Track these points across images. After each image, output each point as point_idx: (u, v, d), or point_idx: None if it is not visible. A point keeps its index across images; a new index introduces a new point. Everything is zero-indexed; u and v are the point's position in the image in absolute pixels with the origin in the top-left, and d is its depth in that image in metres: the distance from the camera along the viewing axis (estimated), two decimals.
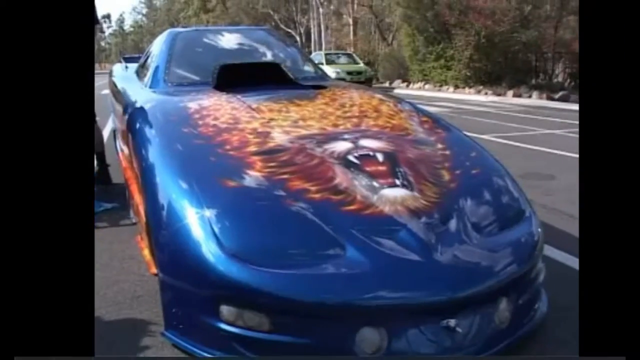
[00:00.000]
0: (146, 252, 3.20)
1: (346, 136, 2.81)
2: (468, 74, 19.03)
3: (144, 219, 2.98)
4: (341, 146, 2.68)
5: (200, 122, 2.97)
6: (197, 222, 2.24)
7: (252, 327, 2.07)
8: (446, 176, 2.63)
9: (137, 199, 3.31)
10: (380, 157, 2.62)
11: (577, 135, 9.07)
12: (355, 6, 31.39)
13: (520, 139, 8.36)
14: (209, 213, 2.26)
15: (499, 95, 17.23)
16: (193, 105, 3.29)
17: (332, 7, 34.78)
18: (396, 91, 20.66)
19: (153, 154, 2.78)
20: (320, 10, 32.47)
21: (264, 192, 2.37)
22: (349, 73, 20.51)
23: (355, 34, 31.87)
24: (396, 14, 24.73)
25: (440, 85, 20.60)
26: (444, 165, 2.71)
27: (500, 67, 18.60)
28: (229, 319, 2.11)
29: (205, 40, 4.70)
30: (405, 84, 23.25)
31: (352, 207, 2.29)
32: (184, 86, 4.01)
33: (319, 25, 33.17)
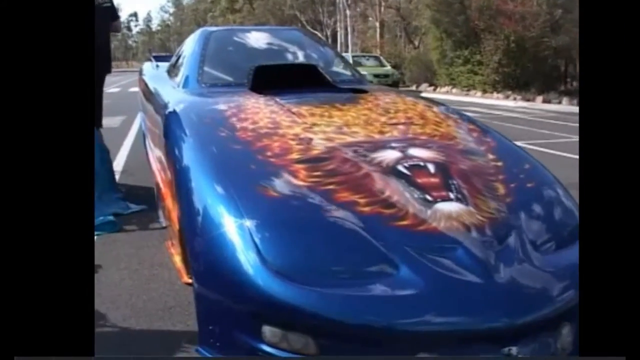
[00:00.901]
0: (177, 259, 3.07)
1: (394, 144, 2.65)
2: (496, 78, 18.74)
3: (176, 224, 2.85)
4: (390, 155, 2.52)
5: (238, 126, 2.82)
6: (237, 232, 2.10)
7: (299, 350, 1.93)
8: (501, 190, 2.46)
9: (169, 202, 3.18)
10: (431, 168, 2.46)
11: None
12: (382, 9, 31.23)
13: (555, 147, 8.13)
14: (249, 223, 2.11)
15: (527, 100, 16.96)
16: (230, 108, 3.15)
17: (358, 10, 34.67)
18: (423, 95, 20.44)
19: (188, 157, 2.65)
20: (347, 12, 32.33)
21: (308, 203, 2.22)
22: (375, 76, 20.31)
23: (381, 36, 31.71)
24: (424, 17, 24.50)
25: (468, 90, 20.32)
26: (497, 178, 2.54)
27: (529, 73, 18.27)
28: (272, 341, 1.96)
29: (239, 40, 4.56)
30: (432, 87, 23.00)
31: (404, 223, 2.14)
32: (218, 87, 3.88)
33: (346, 28, 33.03)
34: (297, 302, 1.91)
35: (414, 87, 24.11)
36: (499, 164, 2.69)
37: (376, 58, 23.84)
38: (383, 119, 3.05)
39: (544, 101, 16.40)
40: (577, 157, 6.23)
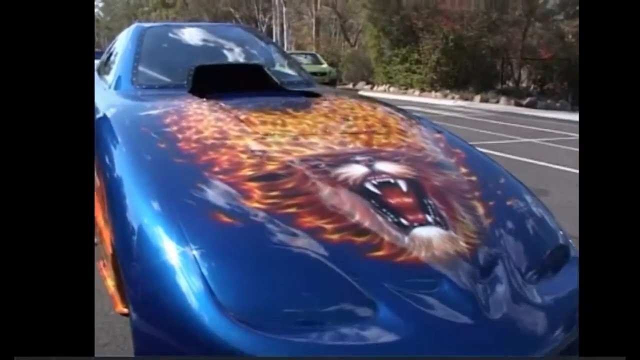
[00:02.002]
0: (110, 284, 2.69)
1: (358, 158, 2.34)
2: (434, 77, 18.85)
3: (109, 246, 2.48)
4: (355, 171, 2.22)
5: (180, 136, 2.47)
6: (180, 261, 1.76)
7: None
8: (480, 209, 2.19)
9: (100, 218, 2.79)
10: (403, 185, 2.17)
11: (557, 145, 8.89)
12: (319, 6, 31.01)
13: (499, 148, 8.02)
14: (195, 252, 1.78)
15: (466, 99, 17.09)
16: (169, 114, 2.78)
17: (293, 6, 34.38)
18: (360, 93, 20.37)
19: (122, 170, 2.31)
20: (284, 9, 31.97)
21: (266, 230, 1.89)
22: (313, 74, 19.81)
23: (317, 34, 31.50)
24: (361, 15, 24.42)
25: (406, 89, 20.35)
26: (474, 195, 2.28)
27: (467, 72, 18.44)
28: None
29: (177, 37, 4.18)
30: (369, 86, 22.92)
31: (380, 253, 1.84)
32: (155, 89, 3.50)
33: (281, 25, 32.65)
34: (254, 351, 1.59)
35: (350, 86, 23.98)
36: (473, 178, 2.43)
37: (313, 56, 23.56)
38: (342, 127, 2.74)
39: (482, 100, 16.57)
40: (521, 159, 6.21)
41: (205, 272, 1.73)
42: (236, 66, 3.88)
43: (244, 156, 2.28)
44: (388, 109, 3.26)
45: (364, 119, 2.95)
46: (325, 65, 22.13)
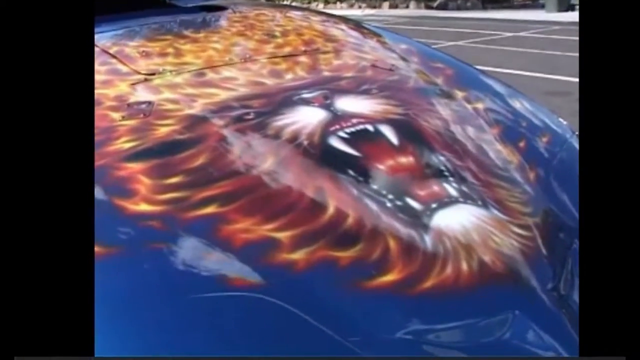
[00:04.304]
0: None
1: (306, 94, 1.41)
2: None
3: None
4: (307, 117, 1.30)
5: None
6: None
7: None
8: (512, 157, 1.37)
9: None
10: (389, 133, 1.28)
11: (487, 46, 8.25)
12: None
13: None
14: None
15: (374, 7, 16.64)
16: None
17: None
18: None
19: None
20: None
21: (168, 259, 1.00)
22: None
23: None
24: None
25: (309, 2, 19.54)
26: (494, 135, 1.45)
27: None
28: None
29: None
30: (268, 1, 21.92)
31: (390, 278, 0.97)
32: None
33: None
34: None
35: None
36: (479, 105, 1.59)
37: None
38: (269, 48, 1.77)
39: (391, 7, 16.26)
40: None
41: None
42: None
43: (116, 115, 1.33)
44: (323, 16, 2.34)
45: (296, 33, 1.99)
46: None
